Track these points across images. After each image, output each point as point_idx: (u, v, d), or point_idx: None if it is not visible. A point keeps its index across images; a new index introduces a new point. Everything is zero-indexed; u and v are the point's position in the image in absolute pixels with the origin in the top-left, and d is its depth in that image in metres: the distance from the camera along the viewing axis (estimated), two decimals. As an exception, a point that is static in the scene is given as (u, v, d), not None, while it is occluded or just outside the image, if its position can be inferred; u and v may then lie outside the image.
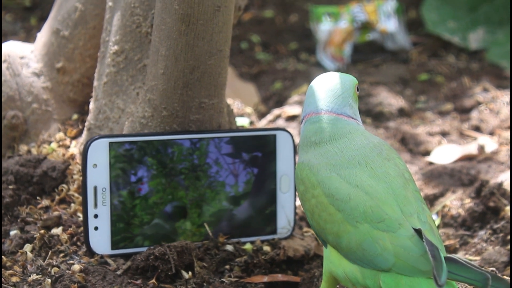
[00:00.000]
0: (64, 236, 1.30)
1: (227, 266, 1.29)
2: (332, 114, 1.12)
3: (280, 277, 1.29)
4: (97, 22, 1.48)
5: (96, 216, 1.26)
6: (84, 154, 1.26)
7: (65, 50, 1.49)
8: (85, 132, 1.43)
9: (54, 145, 1.46)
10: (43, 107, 1.49)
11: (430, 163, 1.84)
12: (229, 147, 1.31)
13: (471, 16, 2.70)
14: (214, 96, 1.31)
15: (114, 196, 1.26)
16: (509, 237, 1.43)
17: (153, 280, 1.23)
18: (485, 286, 0.98)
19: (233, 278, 1.26)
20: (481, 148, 1.86)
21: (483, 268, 1.00)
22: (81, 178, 1.36)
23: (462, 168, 1.73)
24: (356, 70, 2.53)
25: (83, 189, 1.26)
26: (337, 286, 1.14)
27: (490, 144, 1.90)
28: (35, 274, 1.24)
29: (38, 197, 1.38)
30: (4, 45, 1.51)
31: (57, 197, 1.37)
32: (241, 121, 1.74)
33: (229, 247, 1.30)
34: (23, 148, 1.46)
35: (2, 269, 1.25)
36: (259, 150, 1.33)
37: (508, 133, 1.95)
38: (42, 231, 1.29)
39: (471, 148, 1.88)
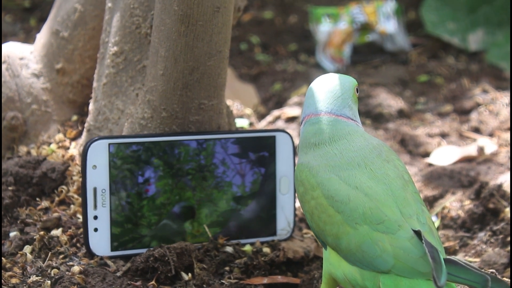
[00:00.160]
0: (64, 238, 1.30)
1: (227, 268, 1.28)
2: (332, 115, 1.12)
3: (279, 278, 1.29)
4: (96, 23, 1.48)
5: (95, 217, 1.26)
6: (84, 155, 1.25)
7: (64, 51, 1.49)
8: (84, 133, 1.43)
9: (53, 146, 1.46)
10: (43, 108, 1.49)
11: (430, 165, 1.84)
12: (234, 147, 1.31)
13: (471, 17, 2.70)
14: (214, 97, 1.31)
15: (119, 197, 1.26)
16: (508, 238, 1.43)
17: (153, 282, 1.23)
18: (485, 287, 0.98)
19: (233, 280, 1.26)
20: (481, 150, 1.86)
21: (482, 270, 1.00)
22: (80, 179, 1.36)
23: (461, 169, 1.73)
24: (355, 71, 2.53)
25: (82, 190, 1.26)
26: (337, 287, 1.14)
27: (489, 145, 1.90)
28: (34, 275, 1.24)
29: (37, 199, 1.38)
30: (3, 46, 1.51)
31: (56, 199, 1.37)
32: (241, 122, 1.74)
33: (229, 249, 1.30)
34: (23, 149, 1.46)
35: (2, 271, 1.25)
36: (259, 152, 1.33)
37: (507, 135, 1.95)
38: (41, 233, 1.29)
39: (470, 150, 1.88)
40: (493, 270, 1.29)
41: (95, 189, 1.26)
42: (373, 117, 2.08)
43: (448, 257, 1.01)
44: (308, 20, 2.80)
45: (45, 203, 1.37)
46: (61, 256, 1.28)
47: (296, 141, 1.59)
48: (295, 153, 1.35)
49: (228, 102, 1.61)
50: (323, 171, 1.08)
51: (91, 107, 1.42)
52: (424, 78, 2.48)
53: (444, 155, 1.87)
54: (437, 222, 1.56)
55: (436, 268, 0.98)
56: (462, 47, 2.67)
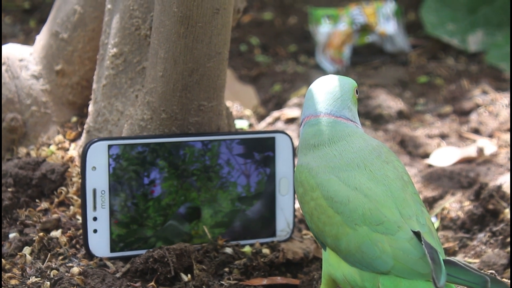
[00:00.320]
0: (63, 239, 1.30)
1: (226, 269, 1.29)
2: (331, 117, 1.12)
3: (279, 279, 1.29)
4: (96, 24, 1.48)
5: (95, 218, 1.26)
6: (83, 156, 1.26)
7: (64, 53, 1.50)
8: (84, 135, 1.43)
9: (53, 147, 1.47)
10: (42, 110, 1.49)
11: (429, 166, 1.84)
12: (234, 149, 1.31)
13: (470, 18, 2.70)
14: (213, 99, 1.31)
15: (121, 198, 1.26)
16: (508, 239, 1.43)
17: (152, 283, 1.23)
18: (484, 288, 0.99)
19: (232, 281, 1.26)
20: (480, 151, 1.86)
21: (482, 271, 1.00)
22: (80, 180, 1.36)
23: (461, 170, 1.73)
24: (355, 73, 2.53)
25: (82, 191, 1.26)
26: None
27: (489, 146, 1.90)
28: (34, 276, 1.24)
29: (37, 200, 1.38)
30: (3, 47, 1.51)
31: (56, 200, 1.37)
32: (240, 124, 1.74)
33: (228, 250, 1.30)
34: (22, 150, 1.46)
35: (1, 272, 1.25)
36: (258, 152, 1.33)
37: (507, 136, 1.95)
38: (41, 234, 1.29)
39: (470, 151, 1.88)
40: (493, 271, 1.29)
41: (94, 191, 1.26)
42: (372, 118, 2.08)
43: (447, 258, 1.01)
44: (307, 21, 2.80)
45: (44, 205, 1.37)
46: (60, 257, 1.28)
47: (296, 142, 1.59)
48: (294, 154, 1.35)
49: (228, 103, 1.61)
50: (322, 172, 1.08)
51: (90, 108, 1.42)
52: (424, 79, 2.48)
53: (444, 156, 1.87)
54: (436, 223, 1.56)
55: (435, 269, 0.98)
56: (462, 48, 2.67)
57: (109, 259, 1.27)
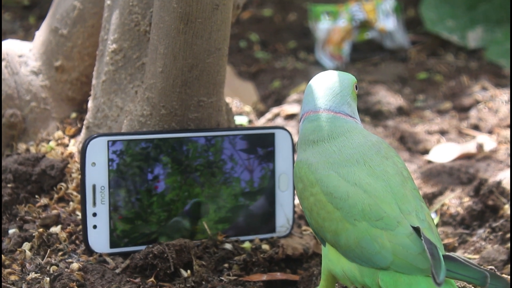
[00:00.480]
0: (63, 235, 1.30)
1: (226, 265, 1.29)
2: (330, 112, 1.12)
3: (279, 275, 1.29)
4: (95, 20, 1.48)
5: (94, 214, 1.26)
6: (83, 152, 1.26)
7: (63, 49, 1.49)
8: (83, 131, 1.43)
9: (52, 143, 1.46)
10: (42, 106, 1.49)
11: (429, 162, 1.84)
12: (234, 144, 1.31)
13: (470, 14, 2.69)
14: (213, 95, 1.31)
15: (122, 194, 1.26)
16: (507, 235, 1.43)
17: (152, 279, 1.23)
18: (484, 284, 0.99)
19: (232, 277, 1.26)
20: (480, 147, 1.86)
21: (481, 266, 1.00)
22: (79, 176, 1.36)
23: (461, 166, 1.73)
24: (354, 69, 2.53)
25: (81, 187, 1.26)
26: (336, 284, 1.14)
27: (489, 142, 1.90)
28: (33, 272, 1.24)
29: (36, 196, 1.38)
30: (2, 43, 1.51)
31: (55, 196, 1.37)
32: (240, 120, 1.74)
33: (228, 246, 1.30)
34: (22, 146, 1.46)
35: (1, 268, 1.25)
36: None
37: (507, 132, 1.95)
38: (40, 230, 1.29)
39: (470, 147, 1.88)
40: (492, 267, 1.29)
41: (94, 186, 1.26)
42: (372, 114, 2.08)
43: (447, 253, 1.01)
44: (307, 17, 2.80)
45: (44, 200, 1.37)
46: (60, 253, 1.28)
47: (296, 138, 1.59)
48: (294, 150, 1.35)
49: (228, 99, 1.61)
50: (322, 168, 1.08)
51: (90, 104, 1.42)
52: (424, 76, 2.48)
53: (444, 152, 1.87)
54: (436, 219, 1.56)
55: (435, 265, 0.98)
56: (461, 45, 2.67)
57: (109, 254, 1.27)
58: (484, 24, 2.67)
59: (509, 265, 1.36)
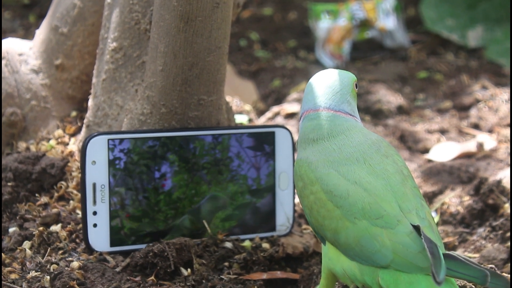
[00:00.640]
0: (63, 233, 1.30)
1: (226, 263, 1.28)
2: (330, 111, 1.12)
3: (279, 274, 1.29)
4: (95, 19, 1.48)
5: (95, 213, 1.26)
6: (83, 151, 1.26)
7: (63, 47, 1.49)
8: (84, 129, 1.43)
9: (53, 142, 1.46)
10: (42, 104, 1.49)
11: (429, 161, 1.84)
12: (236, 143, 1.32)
13: (470, 14, 2.69)
14: (213, 93, 1.31)
15: (124, 192, 1.26)
16: (508, 234, 1.43)
17: (152, 277, 1.23)
18: (484, 283, 0.99)
19: (232, 275, 1.26)
20: (480, 146, 1.86)
21: (482, 265, 1.00)
22: (80, 175, 1.36)
23: (461, 165, 1.73)
24: (355, 68, 2.53)
25: (82, 186, 1.26)
26: (336, 283, 1.14)
27: (489, 141, 1.90)
28: (34, 271, 1.24)
29: (37, 194, 1.38)
30: (3, 42, 1.51)
31: (56, 194, 1.37)
32: (240, 119, 1.74)
33: (228, 244, 1.30)
34: (22, 145, 1.46)
35: (2, 266, 1.25)
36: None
37: (507, 131, 1.95)
38: (41, 228, 1.29)
39: (470, 146, 1.88)
40: (493, 266, 1.29)
41: (94, 185, 1.26)
42: (372, 113, 2.08)
43: (447, 252, 1.01)
44: (307, 16, 2.79)
45: (44, 199, 1.37)
46: (60, 252, 1.28)
47: (296, 137, 1.59)
48: (294, 149, 1.35)
49: (228, 98, 1.61)
50: (322, 166, 1.08)
51: (90, 103, 1.42)
52: (424, 75, 2.48)
53: (444, 151, 1.87)
54: (436, 218, 1.56)
55: (435, 264, 0.98)
56: (462, 44, 2.67)
57: (109, 253, 1.27)
58: (484, 23, 2.67)
59: (509, 264, 1.36)
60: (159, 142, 1.28)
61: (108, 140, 1.26)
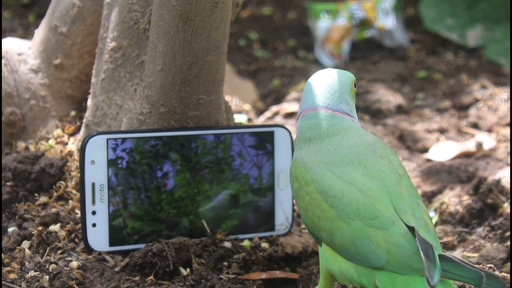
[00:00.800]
0: (62, 233, 1.30)
1: (225, 263, 1.28)
2: (328, 110, 1.12)
3: (278, 273, 1.29)
4: (95, 18, 1.48)
5: (94, 212, 1.26)
6: (82, 150, 1.25)
7: (63, 47, 1.49)
8: (83, 129, 1.43)
9: (52, 141, 1.46)
10: (41, 104, 1.49)
11: (428, 160, 1.84)
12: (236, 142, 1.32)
13: (469, 13, 2.69)
14: (212, 93, 1.31)
15: (130, 191, 1.26)
16: (507, 233, 1.43)
17: (151, 277, 1.23)
18: (480, 284, 0.98)
19: (231, 275, 1.26)
20: (479, 145, 1.86)
21: (477, 266, 1.00)
22: (79, 174, 1.36)
23: (460, 165, 1.73)
24: (354, 67, 2.53)
25: (81, 185, 1.26)
26: (335, 283, 1.14)
27: (488, 141, 1.90)
28: (33, 270, 1.24)
29: (36, 194, 1.38)
30: (2, 41, 1.50)
31: (55, 194, 1.37)
32: (239, 118, 1.74)
33: (227, 244, 1.30)
34: (21, 144, 1.46)
35: (1, 266, 1.25)
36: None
37: (506, 130, 1.95)
38: (40, 228, 1.29)
39: (469, 145, 1.88)
40: (492, 265, 1.29)
41: (93, 185, 1.26)
42: (371, 112, 2.08)
43: (442, 253, 1.01)
44: (306, 16, 2.79)
45: (43, 199, 1.37)
46: (59, 252, 1.28)
47: (295, 137, 1.59)
48: (293, 149, 1.35)
49: (227, 98, 1.61)
50: (317, 167, 1.08)
51: (89, 102, 1.42)
52: (423, 74, 2.48)
53: (443, 150, 1.87)
54: (435, 218, 1.56)
55: (429, 266, 0.97)
56: (461, 43, 2.67)
57: (108, 253, 1.27)
58: (484, 23, 2.67)
59: (509, 263, 1.36)
60: (161, 141, 1.28)
61: (107, 139, 1.26)
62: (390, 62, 2.60)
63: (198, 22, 1.25)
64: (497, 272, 1.25)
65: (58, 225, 1.31)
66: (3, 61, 1.47)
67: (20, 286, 1.21)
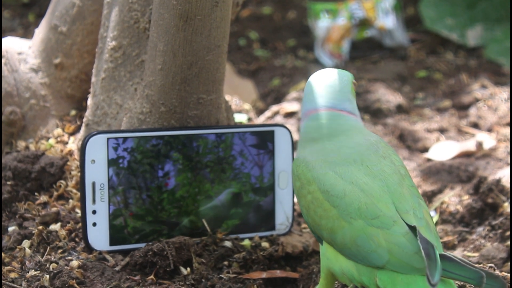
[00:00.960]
0: (63, 232, 1.30)
1: (226, 262, 1.28)
2: (333, 110, 1.12)
3: (278, 273, 1.29)
4: (95, 17, 1.48)
5: (94, 212, 1.26)
6: (82, 150, 1.25)
7: (63, 46, 1.49)
8: (83, 128, 1.43)
9: (52, 141, 1.46)
10: (41, 103, 1.49)
11: (428, 160, 1.84)
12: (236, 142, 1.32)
13: (469, 13, 2.69)
14: (212, 92, 1.31)
15: (124, 191, 1.26)
16: (507, 233, 1.43)
17: (152, 276, 1.23)
18: (480, 284, 0.98)
19: (232, 274, 1.26)
20: (479, 145, 1.86)
21: (477, 266, 1.00)
22: (79, 174, 1.36)
23: (460, 164, 1.73)
24: (354, 67, 2.53)
25: (81, 185, 1.26)
26: (336, 282, 1.14)
27: (488, 140, 1.90)
28: (33, 270, 1.24)
29: (36, 193, 1.38)
30: (2, 41, 1.50)
31: (55, 193, 1.37)
32: (239, 118, 1.74)
33: (228, 243, 1.30)
34: (21, 144, 1.46)
35: (1, 265, 1.25)
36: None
37: (506, 130, 1.95)
38: (40, 227, 1.29)
39: (469, 145, 1.88)
40: (492, 265, 1.29)
41: (93, 184, 1.26)
42: (371, 112, 2.08)
43: (443, 253, 1.01)
44: (306, 15, 2.79)
45: (43, 198, 1.37)
46: (59, 251, 1.28)
47: (295, 136, 1.59)
48: (294, 148, 1.35)
49: (227, 97, 1.61)
50: (319, 166, 1.08)
51: (89, 102, 1.42)
52: (423, 74, 2.48)
53: (443, 150, 1.87)
54: (435, 217, 1.56)
55: (430, 266, 0.97)
56: (461, 43, 2.67)
57: (108, 252, 1.27)
58: (484, 22, 2.67)
59: (509, 263, 1.36)
60: (163, 140, 1.28)
61: (108, 139, 1.26)
62: (390, 61, 2.60)
63: (198, 21, 1.25)
64: (497, 272, 1.25)
65: (59, 224, 1.31)
66: (3, 61, 1.47)
67: (21, 285, 1.21)
